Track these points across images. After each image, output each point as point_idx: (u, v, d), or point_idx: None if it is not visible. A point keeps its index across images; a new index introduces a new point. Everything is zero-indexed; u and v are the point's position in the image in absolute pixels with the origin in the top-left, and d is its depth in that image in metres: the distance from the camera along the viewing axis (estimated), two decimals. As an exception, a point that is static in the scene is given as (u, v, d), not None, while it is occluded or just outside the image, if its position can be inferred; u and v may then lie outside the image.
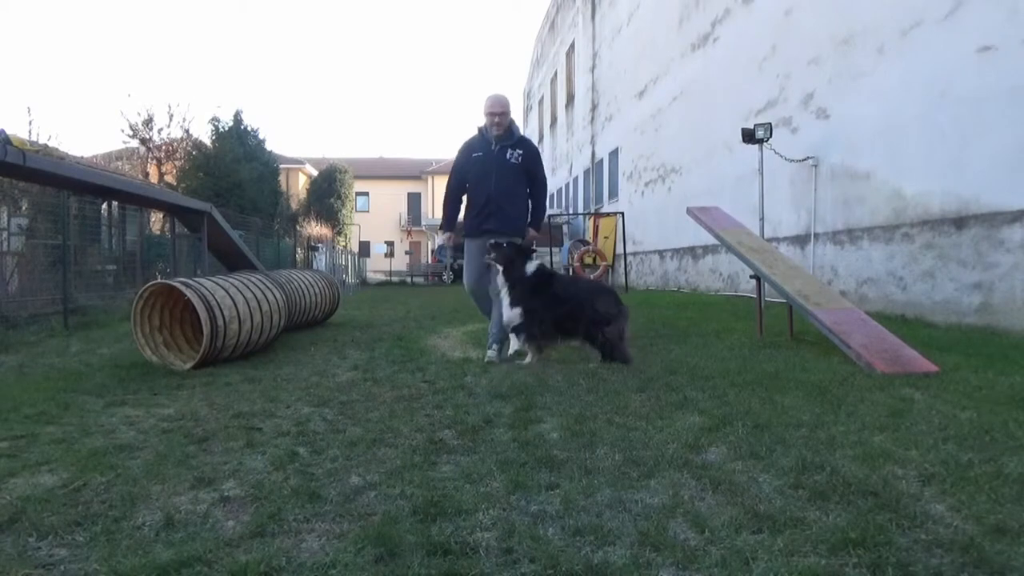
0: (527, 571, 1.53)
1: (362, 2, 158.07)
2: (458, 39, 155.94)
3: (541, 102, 28.04)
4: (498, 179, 4.69)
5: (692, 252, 11.92)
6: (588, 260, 15.59)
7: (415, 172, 43.53)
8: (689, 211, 6.32)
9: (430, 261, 31.61)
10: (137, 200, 10.29)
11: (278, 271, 7.88)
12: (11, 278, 8.50)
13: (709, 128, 11.05)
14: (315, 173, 32.43)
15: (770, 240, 7.91)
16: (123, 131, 18.72)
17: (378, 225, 41.42)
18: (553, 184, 24.73)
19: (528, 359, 4.44)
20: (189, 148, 19.00)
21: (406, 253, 37.97)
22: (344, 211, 30.11)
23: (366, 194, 41.85)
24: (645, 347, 5.09)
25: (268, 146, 21.09)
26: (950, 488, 1.96)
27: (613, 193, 17.09)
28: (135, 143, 18.90)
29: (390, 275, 27.23)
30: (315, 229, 24.45)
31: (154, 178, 18.56)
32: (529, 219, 4.91)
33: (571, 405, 3.11)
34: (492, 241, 4.52)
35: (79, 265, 9.18)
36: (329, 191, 29.62)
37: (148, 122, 18.56)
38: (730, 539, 1.65)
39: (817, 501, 1.88)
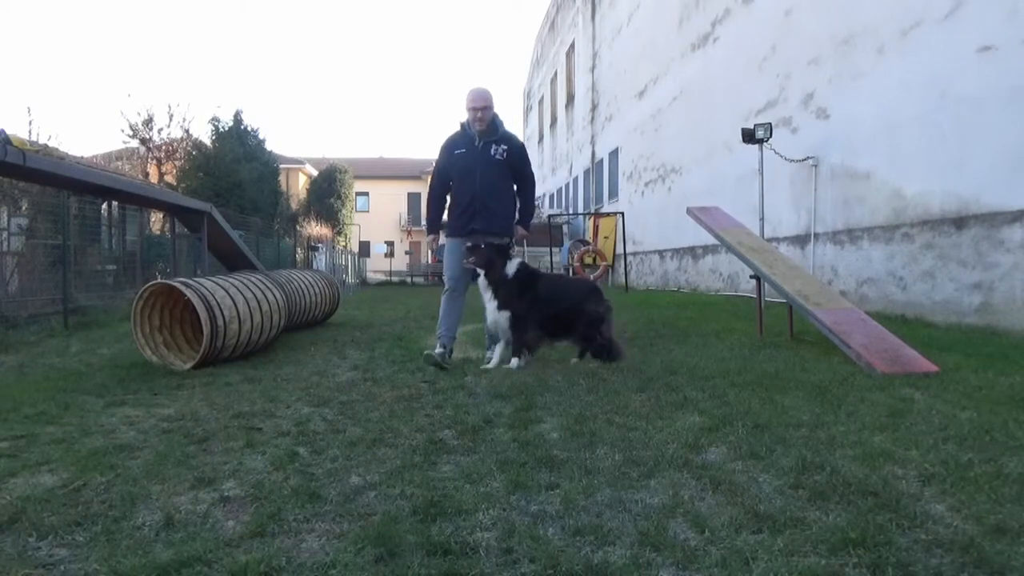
0: (527, 571, 1.53)
1: (362, 2, 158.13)
2: (458, 39, 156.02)
3: (541, 102, 28.05)
4: (483, 176, 4.49)
5: (692, 252, 11.92)
6: (588, 260, 15.60)
7: (415, 172, 43.52)
8: (689, 211, 6.32)
9: (430, 261, 31.61)
10: (137, 200, 10.29)
11: (278, 271, 7.88)
12: (11, 278, 8.50)
13: (709, 128, 11.05)
14: (315, 173, 32.42)
15: (770, 240, 7.91)
16: (123, 131, 18.74)
17: (378, 225, 41.41)
18: (553, 184, 24.75)
19: (516, 363, 4.25)
20: (189, 148, 19.00)
21: (406, 253, 37.95)
22: (344, 211, 30.10)
23: (366, 194, 41.86)
24: (645, 347, 5.09)
25: (268, 146, 21.08)
26: (950, 488, 1.96)
27: (613, 193, 17.09)
28: (135, 143, 18.90)
29: (390, 275, 27.23)
30: (315, 229, 24.44)
31: (154, 178, 18.56)
32: (517, 217, 4.73)
33: (571, 405, 3.11)
34: (469, 244, 4.35)
35: (79, 265, 9.18)
36: (329, 191, 29.61)
37: (148, 122, 18.57)
38: (730, 539, 1.65)
39: (817, 501, 1.88)
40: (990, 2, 5.58)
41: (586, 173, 19.79)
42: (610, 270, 16.04)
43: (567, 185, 22.58)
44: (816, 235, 8.05)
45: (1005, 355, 4.20)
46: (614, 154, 16.92)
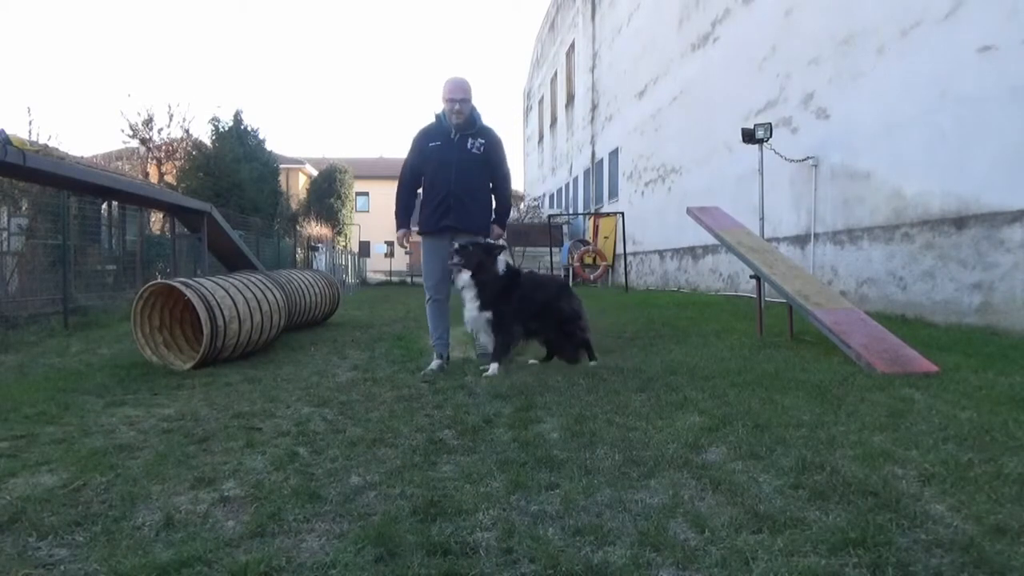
0: (527, 571, 1.53)
1: (362, 2, 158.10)
2: (458, 39, 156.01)
3: (541, 102, 28.03)
4: (459, 171, 4.25)
5: (692, 252, 11.92)
6: (588, 260, 15.61)
7: (415, 172, 43.42)
8: (689, 211, 6.32)
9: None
10: (137, 200, 10.29)
11: (278, 271, 7.88)
12: (11, 278, 8.50)
13: (709, 128, 11.05)
14: (315, 173, 32.41)
15: (770, 240, 7.91)
16: (123, 131, 18.71)
17: (378, 225, 41.34)
18: (553, 184, 24.74)
19: (495, 369, 4.00)
20: (189, 148, 18.99)
21: (406, 253, 37.84)
22: (344, 211, 30.09)
23: (366, 194, 41.85)
24: (645, 347, 5.09)
25: (268, 146, 21.06)
26: (950, 488, 1.96)
27: (613, 193, 17.09)
28: (135, 143, 18.88)
29: (390, 275, 27.20)
30: (315, 229, 24.44)
31: (154, 178, 18.55)
32: (494, 216, 4.51)
33: (571, 405, 3.11)
34: (457, 245, 4.10)
35: (79, 265, 9.18)
36: (329, 191, 29.60)
37: (148, 122, 18.55)
38: (730, 539, 1.65)
39: (817, 501, 1.88)
40: (990, 2, 5.57)
41: (586, 173, 19.79)
42: (610, 270, 16.04)
43: (567, 185, 22.58)
44: (816, 235, 8.04)
45: (1005, 355, 4.20)
46: (614, 154, 16.92)
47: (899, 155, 6.63)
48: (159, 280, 5.32)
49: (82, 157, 16.46)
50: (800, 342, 5.02)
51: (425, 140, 4.36)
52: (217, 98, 49.24)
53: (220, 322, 4.50)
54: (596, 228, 17.09)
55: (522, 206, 22.58)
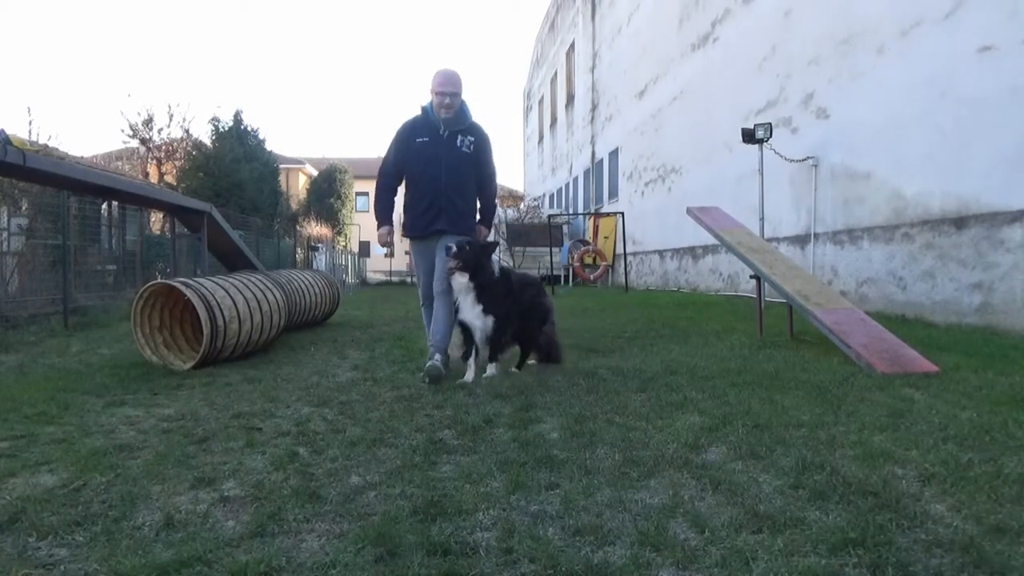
0: (527, 571, 1.53)
1: (363, 2, 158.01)
2: (458, 39, 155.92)
3: (541, 102, 28.03)
4: (448, 171, 4.01)
5: (692, 252, 11.92)
6: (588, 260, 15.61)
7: (415, 172, 43.38)
8: (689, 211, 6.32)
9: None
10: (137, 200, 10.28)
11: (278, 271, 7.88)
12: (11, 278, 8.50)
13: (709, 128, 11.05)
14: (315, 173, 32.41)
15: (770, 240, 7.91)
16: (123, 131, 18.76)
17: (378, 225, 41.39)
18: (553, 184, 24.74)
19: (493, 370, 3.91)
20: (189, 148, 19.01)
21: (406, 253, 37.80)
22: (344, 211, 30.09)
23: (366, 194, 41.79)
24: (645, 347, 5.09)
25: (268, 146, 21.07)
26: (950, 488, 1.96)
27: (613, 193, 17.09)
28: (135, 143, 18.91)
29: (390, 275, 27.22)
30: (315, 229, 24.45)
31: (154, 178, 18.56)
32: (479, 216, 4.30)
33: (571, 405, 3.11)
34: (451, 246, 3.79)
35: (79, 265, 9.18)
36: (329, 191, 29.61)
37: (148, 122, 18.58)
38: (730, 539, 1.65)
39: (817, 501, 1.88)
40: (990, 2, 5.57)
41: (586, 173, 19.79)
42: (610, 270, 16.04)
43: (567, 185, 22.58)
44: (816, 235, 8.04)
45: (1005, 355, 4.20)
46: (614, 154, 16.92)
47: (899, 155, 6.62)
48: (159, 280, 5.32)
49: (82, 157, 16.48)
50: (800, 342, 5.01)
51: (411, 134, 4.09)
52: (217, 98, 49.26)
53: (220, 322, 4.50)
54: (596, 228, 17.09)
55: (522, 206, 22.56)
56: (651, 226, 14.09)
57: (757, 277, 5.27)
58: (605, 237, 16.46)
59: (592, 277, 15.52)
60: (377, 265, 32.37)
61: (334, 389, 3.72)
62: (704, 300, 9.35)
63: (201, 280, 4.94)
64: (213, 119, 19.59)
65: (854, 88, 7.33)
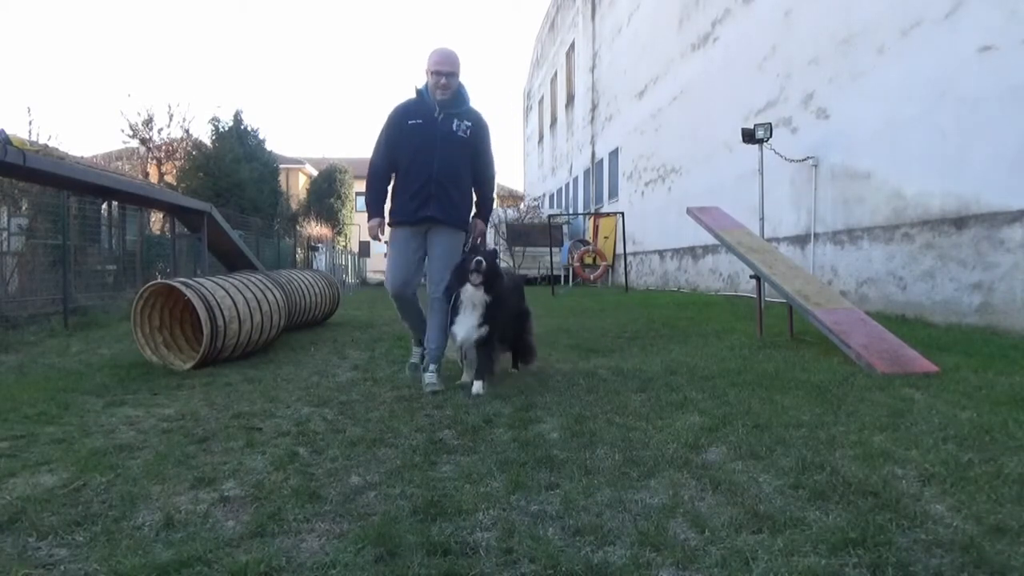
0: (527, 571, 1.53)
1: (363, 2, 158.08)
2: (458, 39, 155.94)
3: (541, 102, 28.04)
4: (442, 155, 3.72)
5: (692, 252, 11.92)
6: (588, 260, 15.61)
7: (415, 172, 43.29)
8: (689, 211, 6.32)
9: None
10: (137, 200, 10.29)
11: (278, 271, 7.88)
12: (11, 278, 8.50)
13: (709, 128, 11.05)
14: (315, 173, 32.41)
15: (770, 240, 7.91)
16: (123, 131, 18.77)
17: (378, 225, 41.36)
18: (553, 184, 24.74)
19: (480, 387, 3.52)
20: (189, 148, 19.01)
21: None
22: (344, 211, 30.09)
23: (366, 194, 41.81)
24: (645, 347, 5.09)
25: (268, 146, 21.09)
26: (950, 488, 1.96)
27: (613, 193, 17.09)
28: (135, 143, 18.92)
29: (390, 275, 27.17)
30: (315, 229, 24.45)
31: (154, 178, 18.56)
32: (475, 209, 3.99)
33: (571, 405, 3.11)
34: (478, 257, 3.45)
35: (79, 265, 9.18)
36: (329, 191, 29.60)
37: (148, 122, 18.58)
38: (730, 539, 1.65)
39: (817, 501, 1.88)
40: (990, 2, 5.57)
41: (586, 173, 19.79)
42: (610, 270, 16.04)
43: (567, 185, 22.58)
44: (816, 235, 8.04)
45: (1005, 355, 4.20)
46: (614, 154, 16.92)
47: (899, 155, 6.62)
48: (159, 280, 5.32)
49: (82, 157, 16.47)
50: (800, 342, 5.02)
51: (404, 117, 3.81)
52: (217, 98, 49.26)
53: (220, 322, 4.50)
54: (596, 228, 17.10)
55: (522, 206, 22.56)
56: (651, 226, 14.09)
57: (757, 277, 5.27)
58: (605, 237, 16.46)
59: (592, 277, 15.52)
60: (377, 265, 32.35)
61: (334, 389, 3.72)
62: (704, 300, 9.35)
63: (201, 280, 4.94)
64: (213, 119, 19.64)
65: (854, 88, 7.33)
